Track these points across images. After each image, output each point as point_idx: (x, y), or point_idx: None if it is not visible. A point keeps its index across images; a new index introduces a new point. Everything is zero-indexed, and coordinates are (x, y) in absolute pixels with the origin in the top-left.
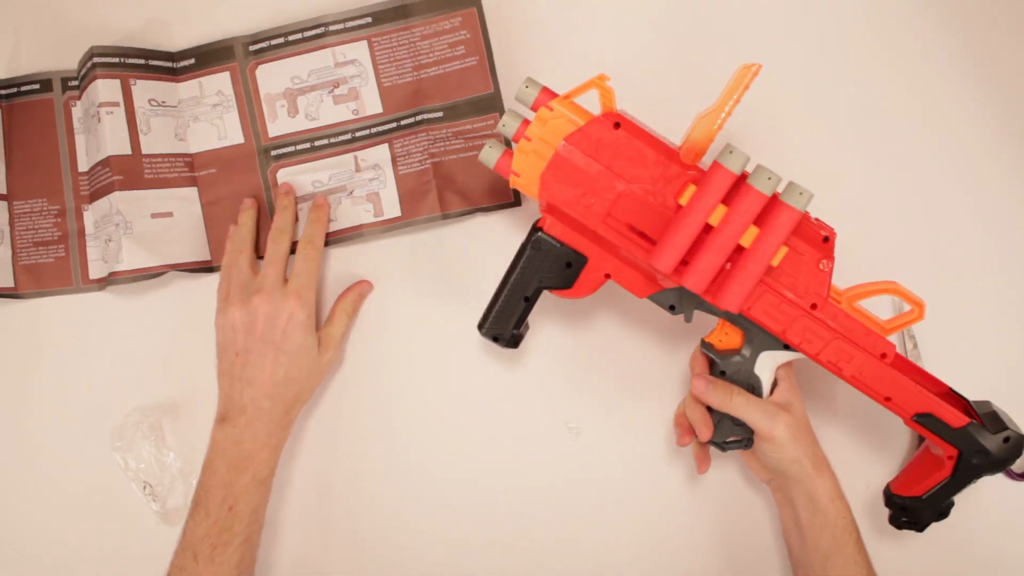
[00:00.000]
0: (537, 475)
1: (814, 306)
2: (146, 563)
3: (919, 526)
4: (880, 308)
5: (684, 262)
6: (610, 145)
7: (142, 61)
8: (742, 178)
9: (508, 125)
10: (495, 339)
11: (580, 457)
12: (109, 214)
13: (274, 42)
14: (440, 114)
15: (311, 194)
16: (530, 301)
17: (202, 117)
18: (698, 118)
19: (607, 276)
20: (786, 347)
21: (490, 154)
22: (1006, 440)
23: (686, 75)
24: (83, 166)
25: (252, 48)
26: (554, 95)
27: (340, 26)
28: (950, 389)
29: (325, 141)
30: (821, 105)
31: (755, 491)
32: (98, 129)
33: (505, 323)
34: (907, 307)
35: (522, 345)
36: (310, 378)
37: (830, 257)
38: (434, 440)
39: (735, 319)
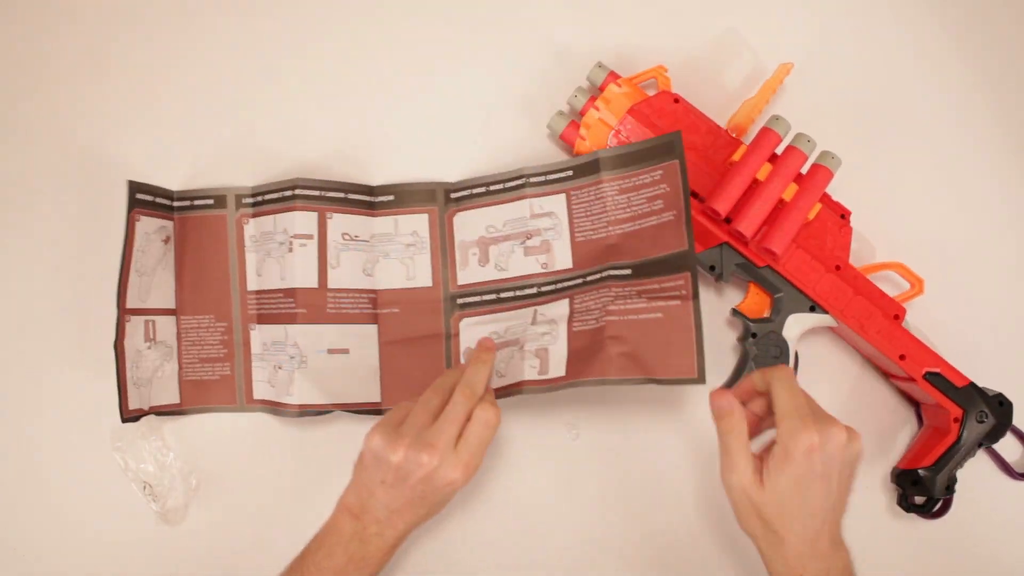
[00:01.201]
0: (539, 471)
1: (838, 267)
2: (146, 563)
3: (929, 504)
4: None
5: (728, 219)
6: (670, 114)
7: (341, 195)
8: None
9: (579, 98)
10: None
11: (582, 455)
12: (283, 343)
13: (475, 191)
14: (628, 271)
15: None
16: None
17: (393, 255)
18: (743, 103)
19: None
20: (811, 309)
21: (558, 122)
22: (1000, 403)
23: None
24: (252, 285)
25: (453, 196)
26: (619, 76)
27: (541, 178)
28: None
29: (511, 293)
30: (841, 98)
31: None
32: (288, 258)
33: None
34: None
35: None
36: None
37: (849, 228)
38: None
39: (767, 281)
